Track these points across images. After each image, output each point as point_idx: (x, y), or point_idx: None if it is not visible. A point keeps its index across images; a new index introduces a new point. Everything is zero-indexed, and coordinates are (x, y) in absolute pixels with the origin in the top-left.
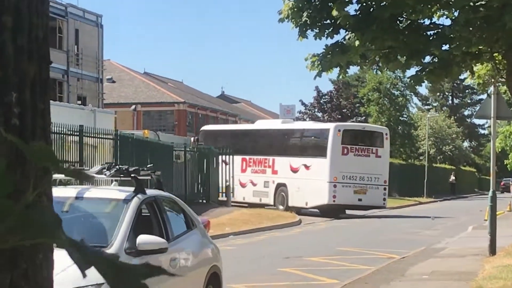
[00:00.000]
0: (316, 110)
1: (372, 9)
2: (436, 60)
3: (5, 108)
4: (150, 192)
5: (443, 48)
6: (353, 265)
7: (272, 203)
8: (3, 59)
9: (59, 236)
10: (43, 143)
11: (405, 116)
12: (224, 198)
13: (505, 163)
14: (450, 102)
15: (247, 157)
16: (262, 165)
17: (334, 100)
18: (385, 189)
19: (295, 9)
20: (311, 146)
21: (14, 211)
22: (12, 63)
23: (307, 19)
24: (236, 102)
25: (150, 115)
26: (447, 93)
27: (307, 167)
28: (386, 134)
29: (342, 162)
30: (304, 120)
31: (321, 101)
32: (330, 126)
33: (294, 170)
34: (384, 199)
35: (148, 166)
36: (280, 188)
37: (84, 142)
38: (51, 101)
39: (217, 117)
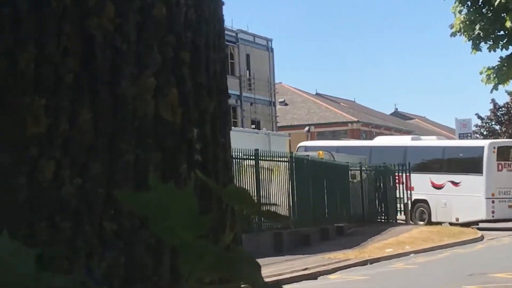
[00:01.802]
0: (493, 122)
1: None
2: None
3: (188, 144)
4: None
5: None
6: None
7: (404, 218)
8: (183, 95)
9: (258, 280)
10: (227, 179)
11: None
12: (402, 216)
13: None
14: None
15: None
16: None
17: None
18: None
19: (467, 22)
20: (460, 163)
21: (212, 252)
22: (192, 98)
23: (480, 31)
24: (410, 119)
25: (324, 136)
26: None
27: (455, 183)
28: None
29: (498, 178)
30: (482, 133)
31: (498, 113)
32: (484, 143)
33: (438, 187)
34: None
35: None
36: (418, 204)
37: (260, 165)
38: None
39: (391, 135)
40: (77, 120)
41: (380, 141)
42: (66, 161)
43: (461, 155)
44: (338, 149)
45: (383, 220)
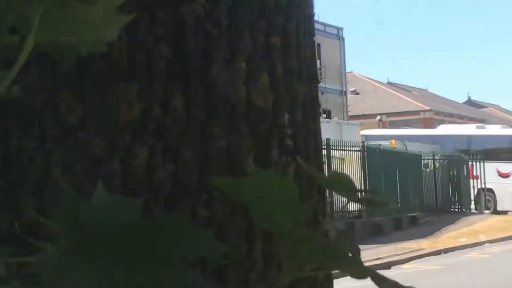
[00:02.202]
0: None
1: None
2: None
3: (279, 129)
4: None
5: None
6: None
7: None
8: (274, 80)
9: (359, 265)
10: (317, 165)
11: None
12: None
13: None
14: None
15: None
16: None
17: None
18: None
19: None
20: None
21: (313, 239)
22: (282, 84)
23: None
24: (483, 107)
25: (395, 125)
26: None
27: None
28: None
29: None
30: None
31: None
32: None
33: (504, 175)
34: None
35: None
36: (483, 193)
37: (331, 155)
38: None
39: (464, 123)
40: (169, 106)
41: (444, 130)
42: (159, 147)
43: None
44: (400, 137)
45: (456, 210)
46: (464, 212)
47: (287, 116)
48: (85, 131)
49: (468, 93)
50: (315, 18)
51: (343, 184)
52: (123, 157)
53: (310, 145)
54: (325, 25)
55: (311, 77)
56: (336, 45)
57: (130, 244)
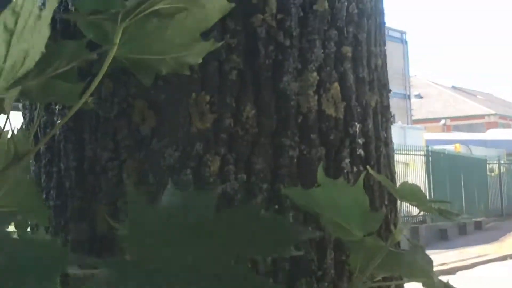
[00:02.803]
0: None
1: None
2: None
3: (350, 139)
4: None
5: None
6: None
7: None
8: (345, 90)
9: (431, 277)
10: (388, 173)
11: None
12: None
13: None
14: None
15: None
16: None
17: None
18: None
19: None
20: None
21: (383, 249)
22: (354, 93)
23: None
24: None
25: (459, 129)
26: None
27: None
28: None
29: None
30: None
31: None
32: None
33: None
34: None
35: None
36: None
37: (395, 159)
38: None
39: None
40: (241, 116)
41: (494, 134)
42: (231, 156)
43: None
44: (451, 142)
45: None
46: None
47: (358, 125)
48: (158, 141)
49: None
50: None
51: (414, 194)
52: (195, 167)
53: (381, 155)
54: (388, 28)
55: (383, 86)
56: (400, 48)
57: (204, 241)
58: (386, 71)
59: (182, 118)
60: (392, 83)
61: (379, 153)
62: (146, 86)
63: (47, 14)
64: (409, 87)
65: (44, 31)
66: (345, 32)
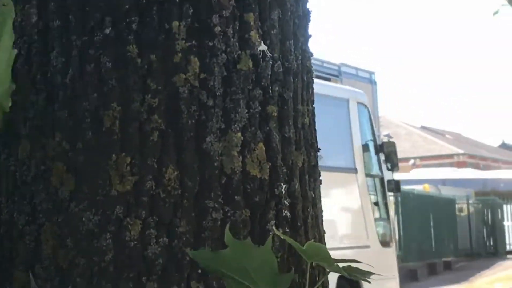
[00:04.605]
0: None
1: None
2: None
3: (276, 200)
4: None
5: None
6: None
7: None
8: (270, 150)
9: None
10: (316, 234)
11: None
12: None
13: None
14: None
15: None
16: None
17: None
18: None
19: None
20: None
21: None
22: (280, 153)
23: None
24: None
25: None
26: None
27: None
28: None
29: None
30: None
31: None
32: None
33: None
34: None
35: None
36: None
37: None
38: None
39: (499, 167)
40: (163, 177)
41: (463, 173)
42: (152, 220)
43: None
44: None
45: (491, 254)
46: (499, 256)
47: (284, 186)
48: (77, 204)
49: (502, 137)
50: (347, 63)
51: (320, 254)
52: (115, 231)
53: (309, 215)
54: (357, 69)
55: (310, 146)
56: (369, 88)
57: None
58: (315, 130)
59: (101, 181)
60: None
61: (307, 214)
62: (62, 147)
63: None
64: (379, 127)
65: None
66: (270, 91)
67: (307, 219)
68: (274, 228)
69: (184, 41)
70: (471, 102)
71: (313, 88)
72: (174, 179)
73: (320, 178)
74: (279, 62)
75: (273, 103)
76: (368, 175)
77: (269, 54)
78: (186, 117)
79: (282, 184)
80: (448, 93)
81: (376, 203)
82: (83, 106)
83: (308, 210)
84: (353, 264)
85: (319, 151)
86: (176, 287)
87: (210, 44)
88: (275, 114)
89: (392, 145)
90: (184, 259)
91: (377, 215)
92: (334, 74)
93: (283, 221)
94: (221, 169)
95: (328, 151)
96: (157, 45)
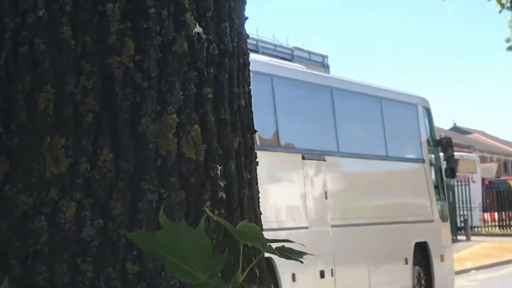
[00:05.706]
0: None
1: None
2: None
3: (212, 181)
4: None
5: None
6: None
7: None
8: (206, 132)
9: None
10: (252, 215)
11: None
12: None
13: None
14: None
15: None
16: None
17: None
18: None
19: None
20: None
21: None
22: (215, 135)
23: None
24: (469, 133)
25: None
26: None
27: None
28: None
29: None
30: None
31: None
32: None
33: None
34: None
35: None
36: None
37: None
38: None
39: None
40: (98, 159)
41: None
42: (87, 202)
43: None
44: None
45: None
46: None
47: (220, 167)
48: (11, 187)
49: (453, 120)
50: (301, 46)
51: (253, 234)
52: (50, 213)
53: (245, 197)
54: (310, 52)
55: (246, 128)
56: (321, 72)
57: None
58: (251, 111)
59: (36, 163)
60: None
61: (242, 195)
62: None
63: None
64: None
65: None
66: (205, 73)
67: (243, 201)
68: (208, 209)
69: (118, 23)
70: (424, 84)
71: (249, 70)
72: (109, 161)
73: (257, 159)
74: (214, 44)
75: (209, 85)
76: (431, 164)
77: (204, 36)
78: (121, 99)
79: (217, 165)
80: (403, 74)
81: (436, 187)
82: (17, 88)
83: (244, 191)
84: (287, 244)
85: (255, 133)
86: (111, 269)
87: (145, 26)
88: (211, 96)
89: (448, 139)
90: (119, 240)
91: (437, 196)
92: (287, 58)
93: (218, 202)
94: (156, 151)
95: (405, 146)
96: (91, 27)
